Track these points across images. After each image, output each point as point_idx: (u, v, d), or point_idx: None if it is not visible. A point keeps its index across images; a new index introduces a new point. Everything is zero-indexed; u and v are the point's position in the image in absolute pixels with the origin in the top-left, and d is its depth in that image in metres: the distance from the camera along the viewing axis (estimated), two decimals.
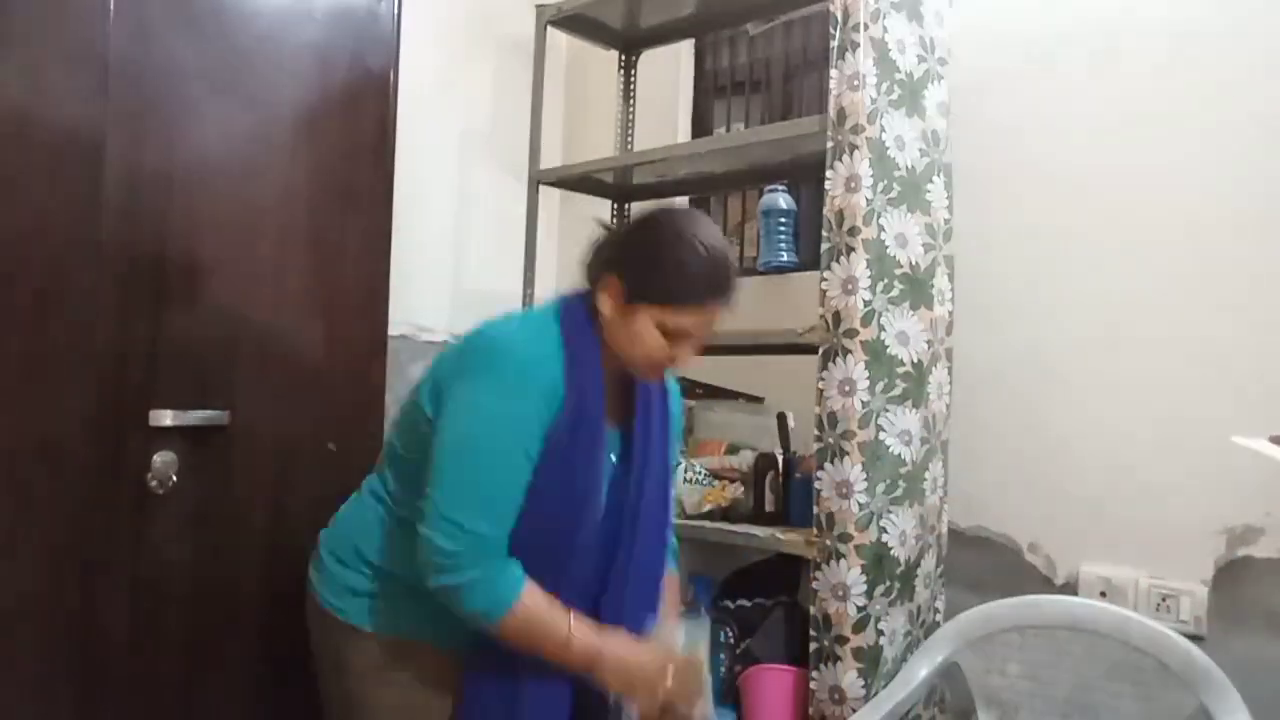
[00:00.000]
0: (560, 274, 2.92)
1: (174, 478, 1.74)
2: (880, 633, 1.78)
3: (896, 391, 1.82)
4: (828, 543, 1.76)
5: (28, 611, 1.60)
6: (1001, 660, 1.76)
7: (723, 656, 1.97)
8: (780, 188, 2.35)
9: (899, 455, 1.82)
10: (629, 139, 2.58)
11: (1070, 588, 1.93)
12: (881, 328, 1.80)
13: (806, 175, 2.27)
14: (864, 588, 1.75)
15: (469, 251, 2.77)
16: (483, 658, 1.43)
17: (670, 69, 2.75)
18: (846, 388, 1.76)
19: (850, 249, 1.77)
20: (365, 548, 1.52)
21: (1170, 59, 1.87)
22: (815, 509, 1.79)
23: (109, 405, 1.68)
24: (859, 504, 1.75)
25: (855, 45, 1.80)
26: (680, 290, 1.39)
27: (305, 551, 1.94)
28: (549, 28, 2.45)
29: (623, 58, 2.60)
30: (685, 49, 2.76)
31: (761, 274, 2.43)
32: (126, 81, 1.69)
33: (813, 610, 1.79)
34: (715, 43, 2.77)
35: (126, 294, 1.70)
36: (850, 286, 1.77)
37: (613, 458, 1.50)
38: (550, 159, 2.62)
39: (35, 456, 1.61)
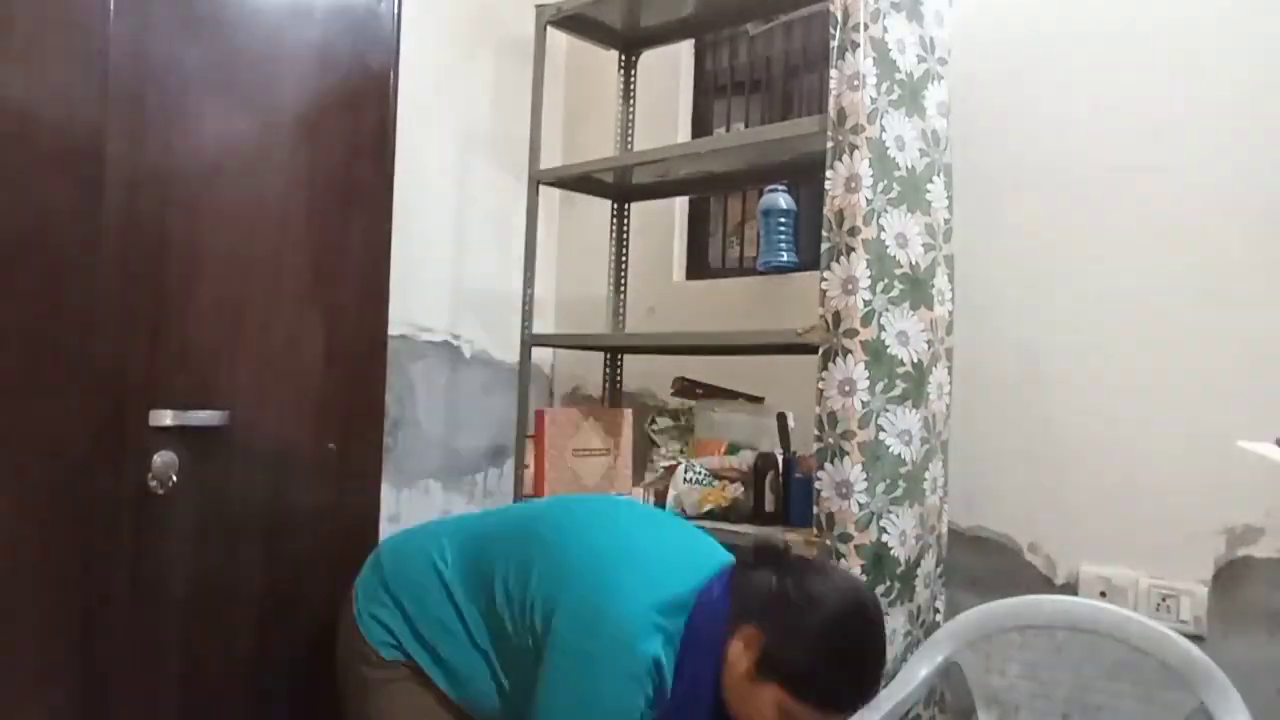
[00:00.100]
0: (560, 274, 2.92)
1: (174, 478, 1.74)
2: None
3: (896, 391, 1.82)
4: (828, 543, 1.76)
5: (28, 611, 1.60)
6: (1001, 660, 1.76)
7: None
8: (780, 188, 2.35)
9: (899, 455, 1.82)
10: (629, 139, 2.58)
11: (1070, 588, 1.93)
12: (881, 328, 1.80)
13: (806, 175, 2.27)
14: None
15: (469, 251, 2.77)
16: None
17: (670, 69, 2.75)
18: (846, 388, 1.76)
19: (850, 249, 1.77)
20: (412, 608, 1.58)
21: (1171, 58, 1.87)
22: (815, 509, 1.79)
23: (109, 405, 1.68)
24: (859, 504, 1.75)
25: (855, 45, 1.80)
26: (821, 692, 1.32)
27: (305, 552, 1.95)
28: (549, 28, 2.45)
29: (623, 58, 2.61)
30: (685, 49, 2.76)
31: (761, 274, 2.43)
32: (126, 81, 1.69)
33: None
34: (715, 43, 2.77)
35: (126, 294, 1.70)
36: (850, 286, 1.77)
37: None
38: (550, 159, 2.62)
39: (35, 456, 1.61)
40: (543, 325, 2.74)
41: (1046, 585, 1.95)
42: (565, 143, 2.96)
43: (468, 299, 2.74)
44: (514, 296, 2.44)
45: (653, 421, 2.51)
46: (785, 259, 2.35)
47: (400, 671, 1.57)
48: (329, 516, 1.95)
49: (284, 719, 1.92)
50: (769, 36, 2.65)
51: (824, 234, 1.82)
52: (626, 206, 2.61)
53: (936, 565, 1.96)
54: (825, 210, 1.82)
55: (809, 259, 2.28)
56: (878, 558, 1.77)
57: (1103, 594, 1.86)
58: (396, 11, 2.04)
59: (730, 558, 1.46)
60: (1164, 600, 1.81)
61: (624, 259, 2.60)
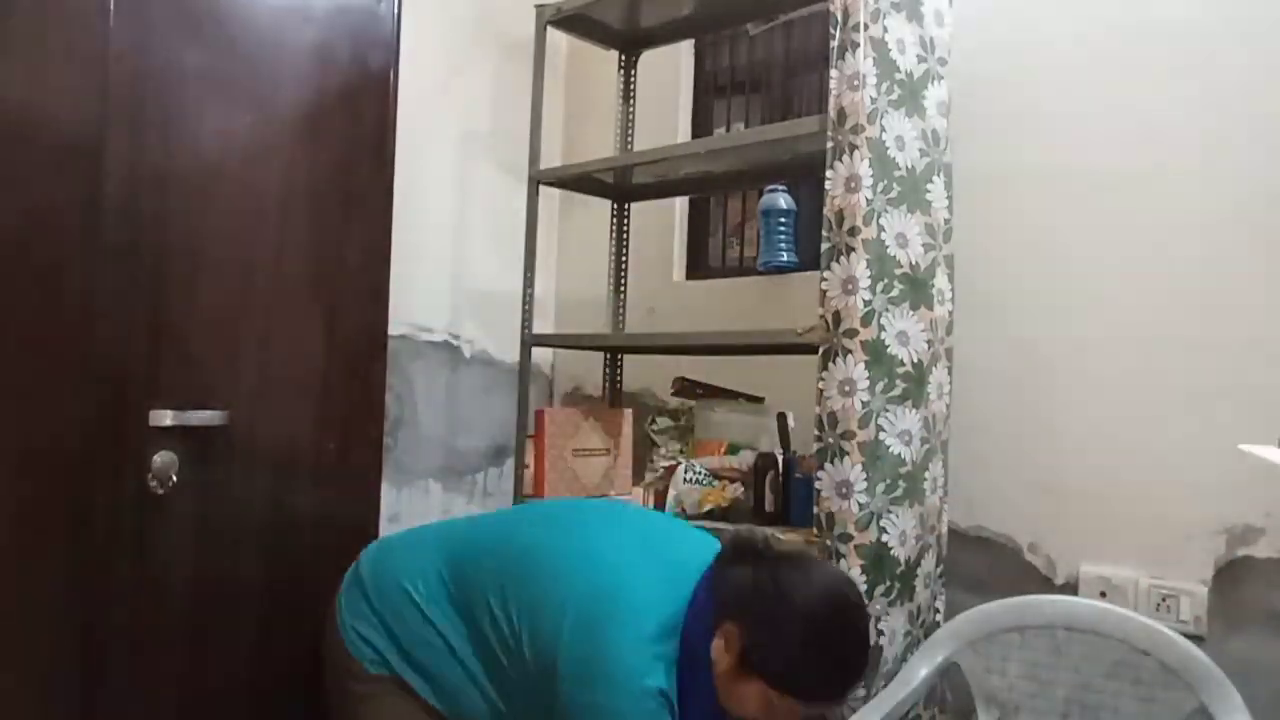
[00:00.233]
0: (560, 274, 2.92)
1: (174, 478, 1.74)
2: (880, 633, 1.78)
3: (896, 391, 1.82)
4: (828, 543, 1.76)
5: (28, 611, 1.60)
6: (1001, 660, 1.76)
7: None
8: (780, 188, 2.35)
9: (899, 455, 1.82)
10: (629, 139, 2.58)
11: (1070, 588, 1.93)
12: (881, 328, 1.80)
13: (806, 175, 2.27)
14: (864, 588, 1.74)
15: (469, 251, 2.77)
16: None
17: (670, 69, 2.75)
18: (846, 388, 1.76)
19: (850, 249, 1.77)
20: (396, 627, 1.57)
21: (1170, 58, 1.87)
22: (815, 509, 1.79)
23: (109, 405, 1.68)
24: (859, 504, 1.75)
25: (855, 45, 1.80)
26: (803, 686, 1.33)
27: (305, 551, 1.95)
28: (549, 28, 2.45)
29: (623, 58, 2.60)
30: (685, 49, 2.76)
31: (761, 274, 2.43)
32: (126, 81, 1.69)
33: None
34: (715, 43, 2.77)
35: (126, 294, 1.70)
36: (850, 286, 1.77)
37: None
38: (550, 159, 2.62)
39: (35, 456, 1.61)
40: (543, 325, 2.74)
41: (1046, 585, 1.95)
42: (565, 143, 2.96)
43: (468, 299, 2.74)
44: (514, 296, 2.44)
45: (653, 421, 2.51)
46: (785, 259, 2.35)
47: (386, 685, 1.56)
48: (329, 516, 1.95)
49: (283, 718, 1.92)
50: (769, 36, 2.65)
51: (824, 234, 1.82)
52: (626, 206, 2.61)
53: (936, 565, 1.96)
54: (825, 210, 1.82)
55: (809, 259, 2.28)
56: (878, 558, 1.77)
57: (1103, 594, 1.86)
58: (396, 11, 2.04)
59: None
60: (1164, 600, 1.81)
61: (624, 259, 2.60)
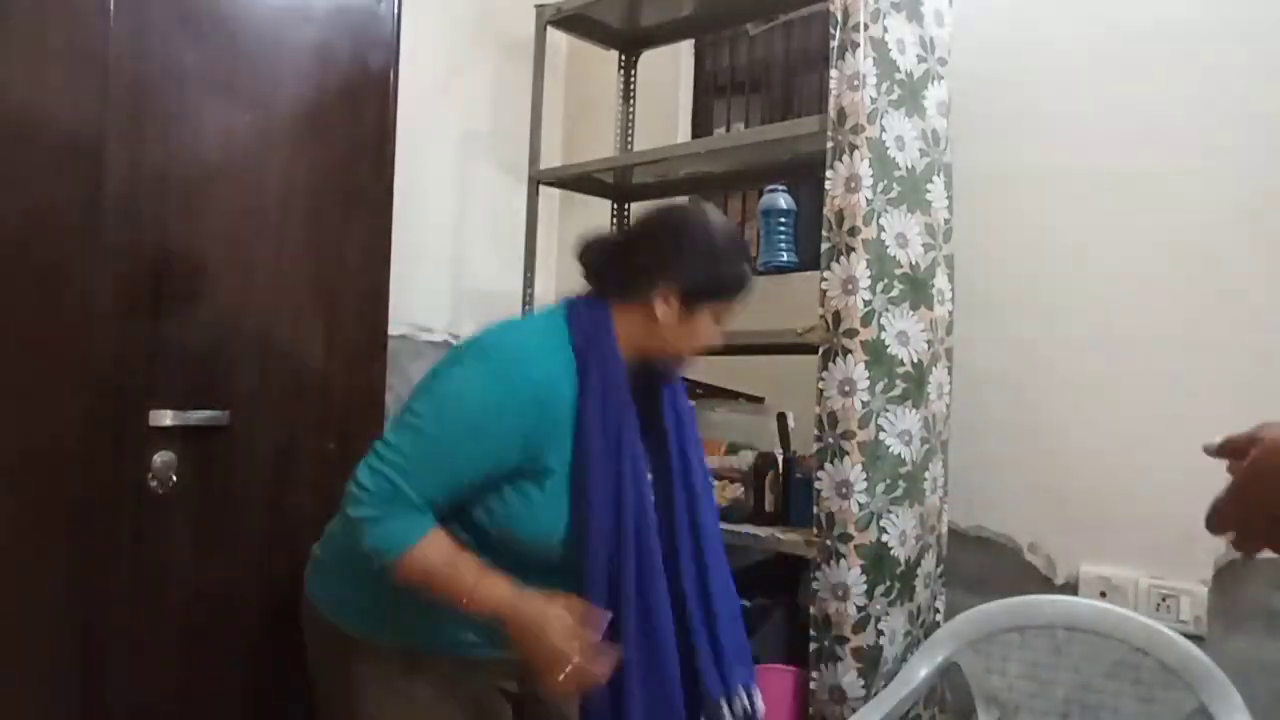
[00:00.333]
0: (560, 274, 2.92)
1: (174, 478, 1.74)
2: (880, 633, 1.78)
3: (896, 391, 1.82)
4: (828, 543, 1.76)
5: (28, 611, 1.60)
6: (1001, 660, 1.76)
7: None
8: (780, 188, 2.35)
9: (899, 455, 1.82)
10: (629, 139, 2.58)
11: (1070, 588, 1.92)
12: (881, 328, 1.80)
13: (806, 175, 2.27)
14: (864, 588, 1.75)
15: (469, 251, 2.77)
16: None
17: (670, 69, 2.75)
18: (846, 388, 1.76)
19: (850, 249, 1.77)
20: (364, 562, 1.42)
21: (1170, 58, 1.87)
22: (815, 509, 1.79)
23: (109, 405, 1.68)
24: (859, 504, 1.75)
25: (855, 45, 1.80)
26: (735, 286, 1.47)
27: (305, 551, 1.94)
28: (549, 28, 2.45)
29: (623, 58, 2.60)
30: (685, 49, 2.76)
31: (761, 274, 2.41)
32: (126, 81, 1.69)
33: (813, 610, 1.79)
34: (715, 43, 2.77)
35: (126, 294, 1.70)
36: (850, 286, 1.77)
37: (648, 475, 1.45)
38: (550, 159, 2.62)
39: (35, 456, 1.61)
40: None
41: (1046, 585, 1.95)
42: (565, 143, 2.96)
43: (468, 299, 2.74)
44: (514, 296, 2.44)
45: None
46: (785, 259, 2.35)
47: (380, 661, 1.43)
48: (329, 516, 1.95)
49: (283, 718, 1.92)
50: (769, 36, 2.65)
51: (824, 234, 1.82)
52: (626, 206, 2.61)
53: (936, 565, 1.96)
54: (825, 210, 1.82)
55: (809, 259, 2.28)
56: (878, 558, 1.77)
57: (1103, 594, 1.86)
58: (396, 11, 2.04)
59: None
60: (1164, 600, 1.81)
61: None
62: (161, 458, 1.73)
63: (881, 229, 1.81)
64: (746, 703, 1.49)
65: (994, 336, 2.03)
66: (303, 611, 1.54)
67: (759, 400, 2.31)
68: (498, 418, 1.32)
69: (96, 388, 1.66)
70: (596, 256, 1.51)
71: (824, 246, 1.82)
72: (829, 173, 1.82)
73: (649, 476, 1.46)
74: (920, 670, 1.77)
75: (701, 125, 2.77)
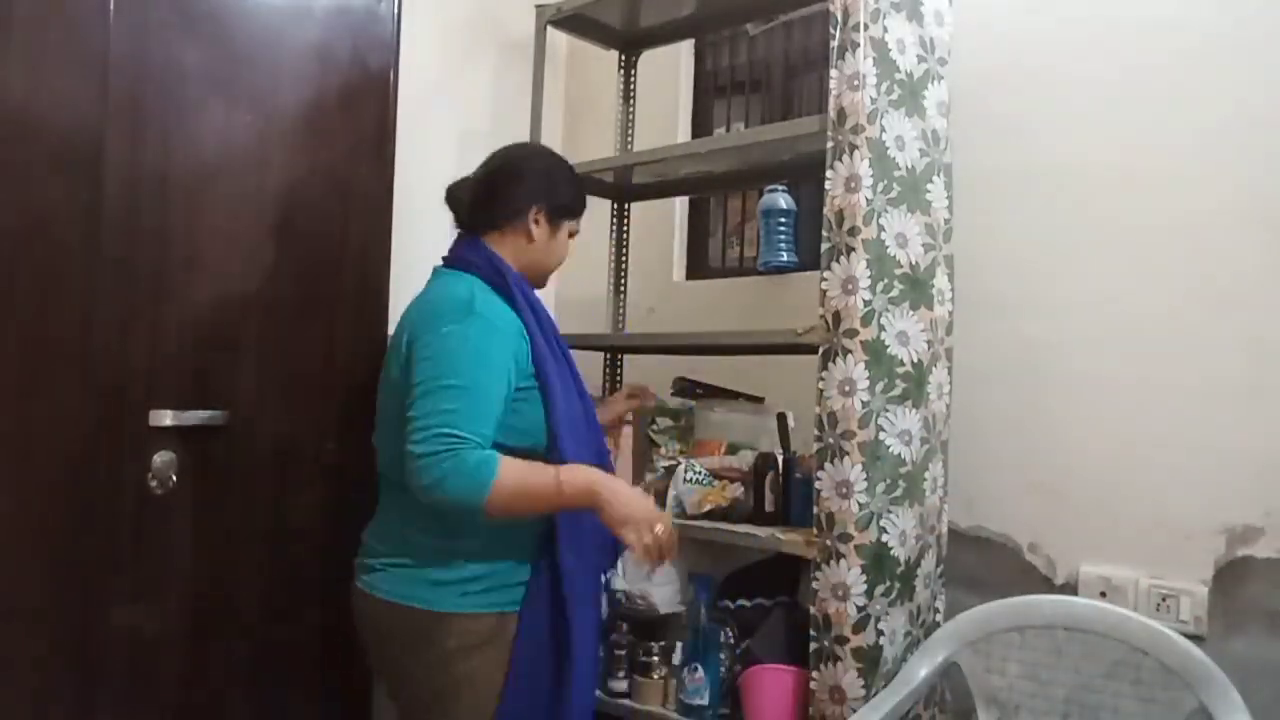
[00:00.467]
0: (560, 274, 2.91)
1: (174, 478, 1.74)
2: (880, 633, 1.78)
3: (896, 391, 1.82)
4: (828, 543, 1.76)
5: (28, 612, 1.61)
6: (1001, 660, 1.76)
7: (723, 656, 1.96)
8: (780, 188, 2.34)
9: (899, 455, 1.82)
10: (629, 139, 2.58)
11: (1070, 588, 1.92)
12: (881, 328, 1.80)
13: (806, 175, 2.27)
14: (864, 588, 1.75)
15: None
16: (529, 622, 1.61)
17: (670, 69, 2.75)
18: (846, 388, 1.76)
19: (850, 249, 1.77)
20: (444, 540, 1.59)
21: (1171, 58, 1.87)
22: (815, 509, 1.79)
23: (109, 405, 1.68)
24: (859, 504, 1.75)
25: (855, 45, 1.80)
26: (584, 201, 1.82)
27: (305, 551, 1.95)
28: (549, 28, 2.45)
29: (623, 58, 2.60)
30: (685, 49, 2.76)
31: (761, 274, 2.43)
32: (126, 81, 1.69)
33: (813, 610, 1.79)
34: (715, 43, 2.77)
35: (126, 294, 1.70)
36: (850, 286, 1.77)
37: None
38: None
39: (35, 456, 1.61)
40: None
41: (1046, 585, 1.95)
42: (565, 143, 2.96)
43: None
44: None
45: (653, 422, 2.51)
46: (785, 259, 2.35)
47: (463, 629, 1.58)
48: (329, 516, 1.95)
49: (283, 718, 1.92)
50: (769, 36, 2.65)
51: (824, 234, 1.82)
52: (626, 206, 2.61)
53: (936, 565, 1.96)
54: (825, 210, 1.82)
55: (809, 259, 2.28)
56: (878, 558, 1.77)
57: (1103, 594, 1.86)
58: (396, 11, 2.05)
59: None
60: (1164, 600, 1.81)
61: (624, 259, 2.60)
62: (161, 458, 1.73)
63: (881, 229, 1.81)
64: None
65: (994, 336, 2.03)
66: (367, 613, 1.65)
67: (759, 400, 2.31)
68: (500, 351, 1.57)
69: (97, 388, 1.66)
70: (469, 195, 1.76)
71: (824, 246, 1.82)
72: (829, 173, 1.82)
73: None
74: (920, 670, 1.77)
75: (701, 125, 2.77)
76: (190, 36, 1.77)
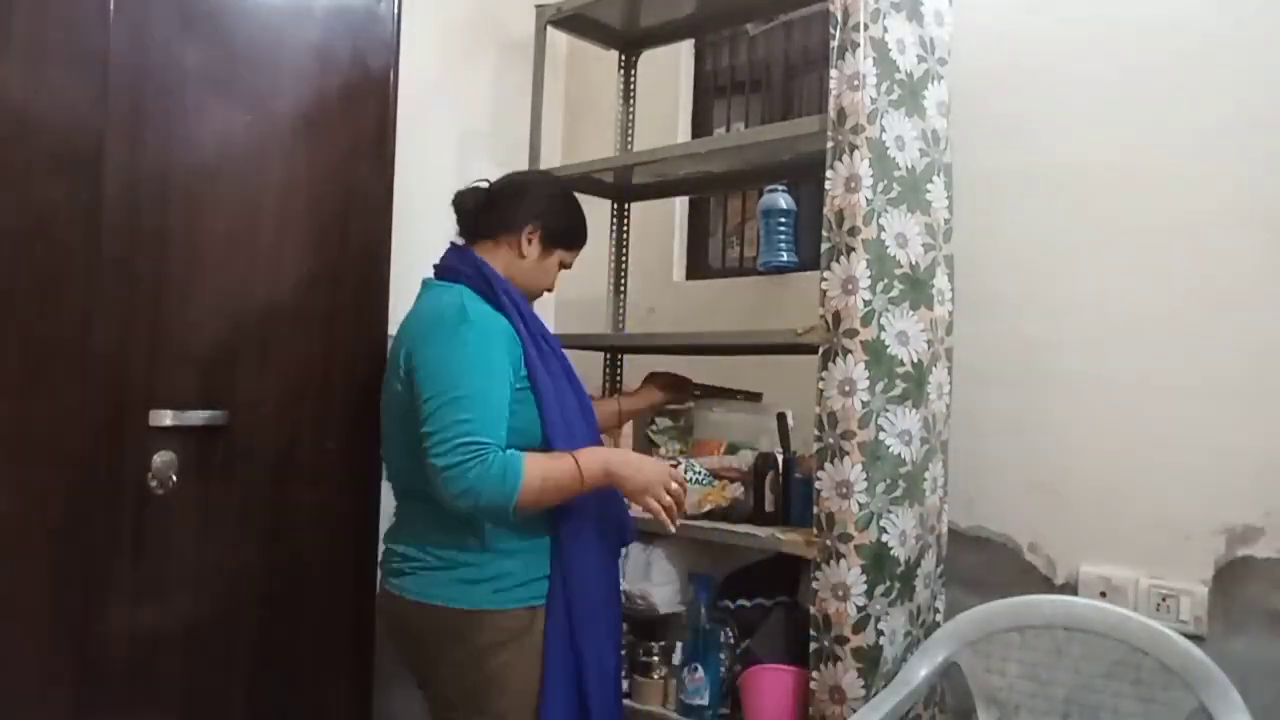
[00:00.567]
0: (560, 274, 2.91)
1: (174, 478, 1.74)
2: (880, 633, 1.78)
3: (896, 391, 1.82)
4: (828, 543, 1.76)
5: (28, 611, 1.61)
6: (1001, 660, 1.76)
7: (723, 656, 1.96)
8: (780, 188, 2.35)
9: (899, 455, 1.82)
10: (629, 139, 2.58)
11: (1070, 588, 1.93)
12: (881, 328, 1.80)
13: (806, 175, 2.27)
14: (864, 588, 1.75)
15: None
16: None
17: (670, 69, 2.75)
18: (846, 388, 1.76)
19: (850, 249, 1.77)
20: (467, 541, 1.63)
21: (1171, 58, 1.87)
22: (815, 509, 1.79)
23: (109, 405, 1.68)
24: (859, 504, 1.75)
25: (855, 45, 1.80)
26: (582, 235, 1.86)
27: (305, 551, 1.95)
28: (549, 28, 2.45)
29: (623, 58, 2.60)
30: (685, 49, 2.76)
31: (761, 274, 2.43)
32: (126, 81, 1.69)
33: (813, 610, 1.79)
34: (715, 43, 2.77)
35: (126, 294, 1.70)
36: (850, 286, 1.77)
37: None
38: (550, 159, 2.62)
39: (35, 456, 1.61)
40: None
41: (1046, 585, 1.95)
42: (565, 143, 2.96)
43: None
44: None
45: (652, 422, 2.51)
46: (785, 259, 2.35)
47: (497, 624, 1.62)
48: (329, 516, 1.95)
49: (283, 717, 1.92)
50: (769, 36, 2.65)
51: (824, 234, 1.82)
52: (626, 206, 2.61)
53: (936, 565, 1.96)
54: (825, 210, 1.82)
55: (809, 259, 2.28)
56: (878, 558, 1.77)
57: (1103, 594, 1.86)
58: (396, 12, 2.05)
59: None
60: (1164, 600, 1.81)
61: (624, 259, 2.60)
62: (161, 458, 1.73)
63: (881, 229, 1.81)
64: None
65: (994, 336, 2.03)
66: (398, 615, 1.69)
67: (756, 397, 2.31)
68: (499, 355, 1.61)
69: (97, 388, 1.66)
70: (472, 203, 1.81)
71: (824, 246, 1.82)
72: (829, 173, 1.82)
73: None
74: (920, 670, 1.77)
75: (701, 125, 2.77)
76: (190, 36, 1.77)
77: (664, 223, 2.74)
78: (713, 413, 2.31)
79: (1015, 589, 1.90)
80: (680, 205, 2.76)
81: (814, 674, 1.78)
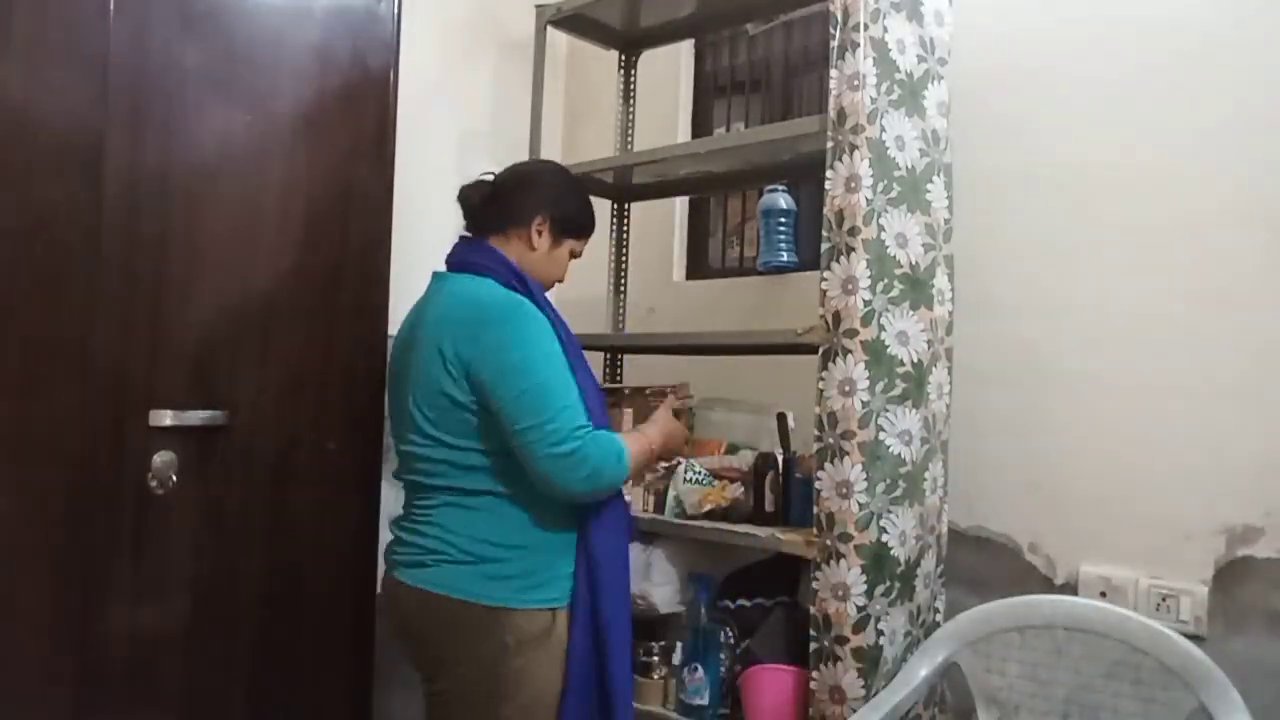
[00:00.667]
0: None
1: (174, 478, 1.74)
2: (880, 633, 1.78)
3: (896, 391, 1.82)
4: (828, 543, 1.76)
5: (28, 611, 1.61)
6: (1001, 660, 1.76)
7: (723, 656, 1.96)
8: (780, 188, 2.35)
9: (899, 455, 1.82)
10: (629, 139, 2.58)
11: (1070, 588, 1.92)
12: (881, 328, 1.80)
13: (806, 175, 2.27)
14: (864, 588, 1.75)
15: None
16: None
17: (670, 69, 2.75)
18: (846, 388, 1.76)
19: (850, 249, 1.77)
20: (494, 536, 1.62)
21: (1171, 58, 1.87)
22: (815, 509, 1.79)
23: (109, 405, 1.68)
24: (859, 504, 1.75)
25: (855, 45, 1.80)
26: (591, 224, 1.85)
27: (305, 551, 1.95)
28: (549, 28, 2.45)
29: (623, 58, 2.60)
30: (685, 49, 2.76)
31: (761, 274, 2.43)
32: (126, 81, 1.69)
33: (813, 610, 1.79)
34: (715, 43, 2.77)
35: (126, 294, 1.70)
36: (850, 286, 1.77)
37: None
38: (550, 159, 2.61)
39: (35, 456, 1.61)
40: None
41: (1046, 585, 1.95)
42: (565, 143, 2.96)
43: None
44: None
45: None
46: (785, 259, 2.35)
47: (527, 623, 1.62)
48: (329, 516, 1.95)
49: (283, 717, 1.92)
50: (769, 36, 2.65)
51: (824, 234, 1.82)
52: (626, 206, 2.61)
53: (936, 565, 1.96)
54: (825, 210, 1.82)
55: (809, 259, 2.28)
56: (878, 558, 1.77)
57: (1103, 594, 1.86)
58: (396, 12, 2.05)
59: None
60: (1164, 600, 1.81)
61: (624, 259, 2.60)
62: (161, 458, 1.73)
63: (881, 229, 1.81)
64: None
65: (994, 336, 2.03)
66: (413, 607, 1.66)
67: (758, 400, 2.31)
68: (551, 341, 1.65)
69: (96, 388, 1.66)
70: (479, 197, 1.80)
71: (824, 246, 1.82)
72: (829, 173, 1.82)
73: None
74: (920, 670, 1.77)
75: (701, 125, 2.77)
76: (190, 36, 1.77)
77: (664, 223, 2.74)
78: (713, 413, 2.31)
79: (1015, 589, 1.90)
80: (680, 205, 2.76)
81: (814, 674, 1.78)
